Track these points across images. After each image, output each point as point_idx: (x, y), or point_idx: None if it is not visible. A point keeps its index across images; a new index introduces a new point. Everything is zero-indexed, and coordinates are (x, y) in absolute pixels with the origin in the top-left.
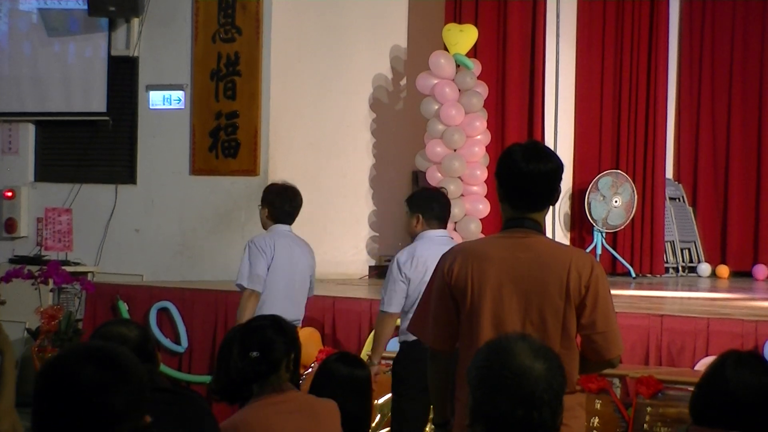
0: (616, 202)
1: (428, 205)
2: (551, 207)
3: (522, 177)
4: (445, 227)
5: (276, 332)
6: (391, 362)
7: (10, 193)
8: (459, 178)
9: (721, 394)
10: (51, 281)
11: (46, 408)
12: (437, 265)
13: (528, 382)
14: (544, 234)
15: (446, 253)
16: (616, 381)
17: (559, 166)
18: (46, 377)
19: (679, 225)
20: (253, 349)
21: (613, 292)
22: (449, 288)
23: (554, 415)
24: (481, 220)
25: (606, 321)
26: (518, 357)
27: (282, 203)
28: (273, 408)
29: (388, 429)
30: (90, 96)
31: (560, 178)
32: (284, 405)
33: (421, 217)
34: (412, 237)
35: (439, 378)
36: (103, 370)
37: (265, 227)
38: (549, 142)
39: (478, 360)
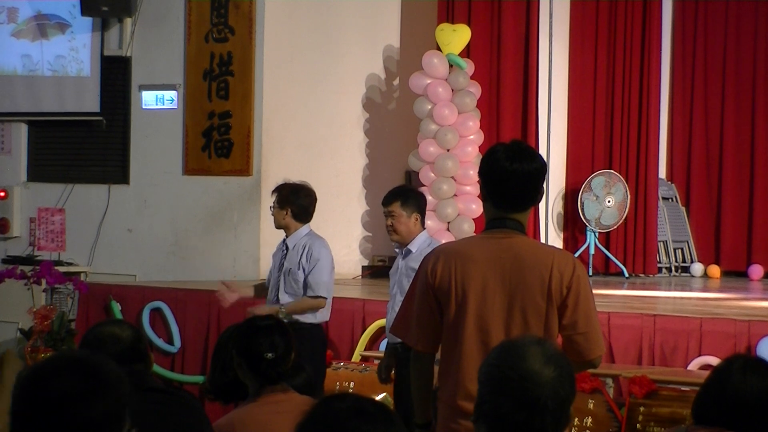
0: (609, 202)
1: (425, 204)
2: (539, 207)
3: (505, 177)
4: None
5: (282, 334)
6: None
7: (2, 193)
8: (452, 177)
9: (727, 396)
10: (44, 281)
11: (23, 418)
12: (420, 267)
13: (534, 386)
14: (527, 234)
15: (429, 254)
16: (609, 381)
17: (543, 166)
18: (23, 387)
19: (672, 225)
20: (263, 350)
21: (606, 292)
22: (432, 289)
23: (557, 423)
24: (474, 220)
25: (587, 321)
26: (528, 360)
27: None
28: (271, 407)
29: None
30: (83, 96)
31: (543, 178)
32: (282, 405)
33: (420, 217)
34: (407, 239)
35: (422, 379)
36: (80, 380)
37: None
38: (542, 142)
39: (490, 358)
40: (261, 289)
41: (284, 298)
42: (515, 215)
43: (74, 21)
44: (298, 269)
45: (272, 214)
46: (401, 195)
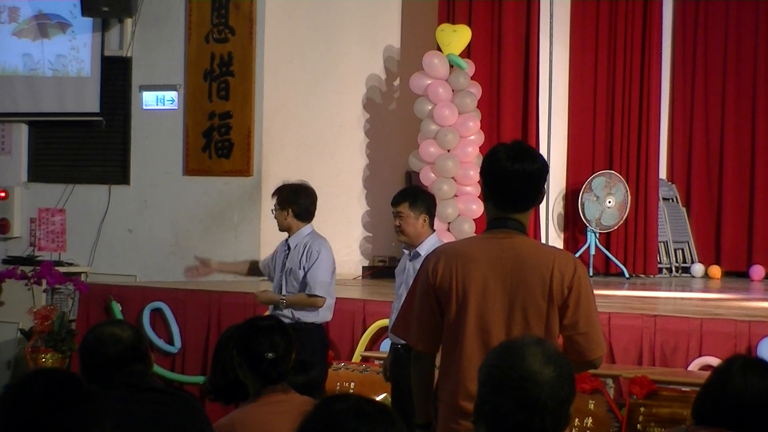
0: (609, 202)
1: (434, 206)
2: (541, 207)
3: (506, 177)
4: None
5: (282, 334)
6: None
7: (3, 194)
8: (452, 178)
9: (728, 396)
10: (44, 282)
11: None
12: (421, 267)
13: (534, 386)
14: (528, 234)
15: (430, 254)
16: (610, 381)
17: (544, 166)
18: (4, 388)
19: (672, 225)
20: (263, 350)
21: (606, 292)
22: (433, 290)
23: (557, 423)
24: (474, 220)
25: (588, 322)
26: (527, 360)
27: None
28: (271, 407)
29: None
30: (83, 96)
31: (545, 179)
32: (283, 405)
33: (428, 218)
34: (415, 241)
35: (423, 379)
36: (56, 386)
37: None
38: (542, 142)
39: (489, 358)
40: (255, 268)
41: None
42: (516, 215)
43: (75, 21)
44: (299, 269)
45: (274, 217)
46: (410, 196)
